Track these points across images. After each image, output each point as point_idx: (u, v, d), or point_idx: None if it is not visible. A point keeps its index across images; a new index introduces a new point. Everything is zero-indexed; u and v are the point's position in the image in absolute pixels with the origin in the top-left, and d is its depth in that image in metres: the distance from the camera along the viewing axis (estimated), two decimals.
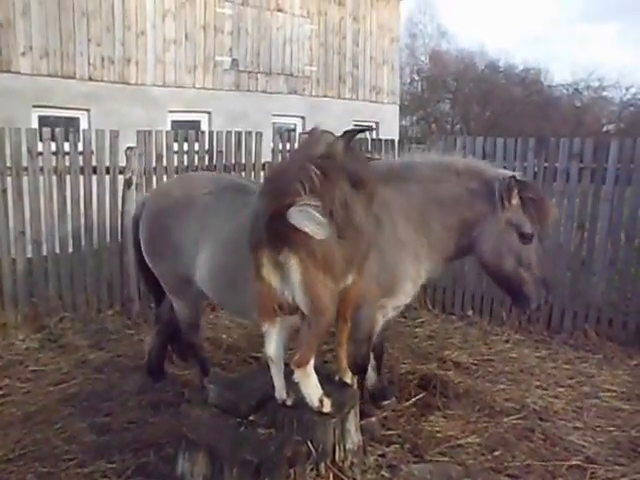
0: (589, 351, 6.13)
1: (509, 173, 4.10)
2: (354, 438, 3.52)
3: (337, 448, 3.34)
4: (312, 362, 3.22)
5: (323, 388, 3.31)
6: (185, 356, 5.10)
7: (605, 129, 36.86)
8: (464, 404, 4.81)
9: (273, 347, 3.31)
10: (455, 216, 4.13)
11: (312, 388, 3.26)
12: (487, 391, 5.09)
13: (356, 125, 14.47)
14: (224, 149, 7.55)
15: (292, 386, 3.32)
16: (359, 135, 4.05)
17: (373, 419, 4.34)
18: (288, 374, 3.32)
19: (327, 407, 3.29)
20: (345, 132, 3.96)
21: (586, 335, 6.36)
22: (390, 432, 4.32)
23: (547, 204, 4.12)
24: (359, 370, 4.31)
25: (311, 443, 3.20)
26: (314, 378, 3.26)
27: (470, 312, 7.12)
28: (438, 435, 4.31)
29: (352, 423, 3.49)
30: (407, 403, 4.78)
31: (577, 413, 4.77)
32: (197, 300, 4.71)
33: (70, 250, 6.79)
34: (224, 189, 4.32)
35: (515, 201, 3.94)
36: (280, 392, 3.41)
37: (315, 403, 3.26)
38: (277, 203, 2.97)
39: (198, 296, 4.60)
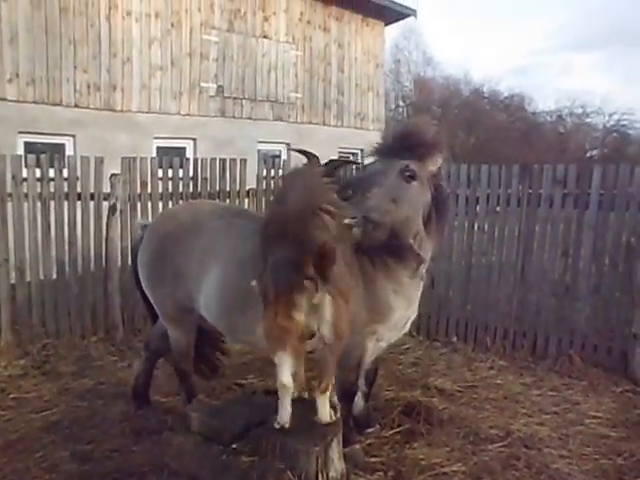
0: (574, 378, 6.11)
1: None
2: (337, 466, 3.50)
3: (320, 476, 3.32)
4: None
5: (306, 415, 3.31)
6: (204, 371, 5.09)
7: (589, 155, 37.29)
8: (448, 431, 4.77)
9: (287, 374, 3.28)
10: None
11: (327, 408, 3.52)
12: (472, 418, 5.06)
13: (341, 153, 14.59)
14: (209, 176, 7.56)
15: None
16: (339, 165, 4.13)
17: (357, 446, 4.29)
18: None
19: (333, 417, 3.57)
20: (330, 161, 4.00)
21: (571, 361, 6.34)
22: (374, 460, 4.28)
23: None
24: (347, 397, 4.26)
25: (294, 471, 3.18)
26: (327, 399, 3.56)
27: (454, 338, 7.11)
28: (422, 463, 4.27)
29: (335, 451, 3.47)
30: (391, 430, 4.74)
31: (563, 440, 4.74)
32: (193, 329, 4.68)
33: (54, 276, 6.76)
34: (234, 215, 4.32)
35: None
36: (285, 418, 3.42)
37: (327, 419, 3.49)
38: (307, 252, 3.16)
39: (194, 324, 4.58)
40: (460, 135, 36.19)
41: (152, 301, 4.57)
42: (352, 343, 4.03)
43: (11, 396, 5.38)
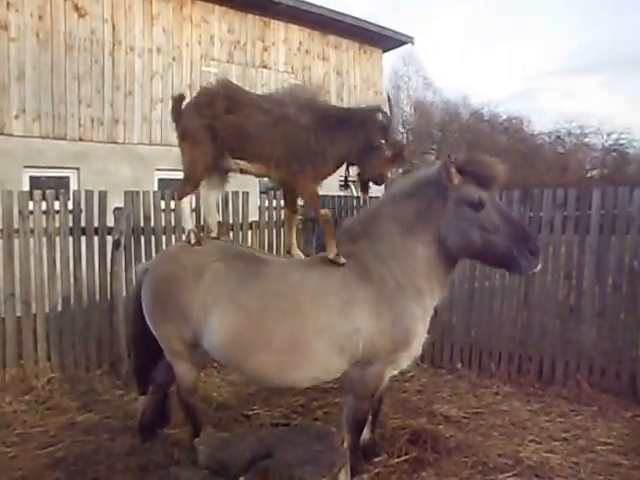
0: (583, 403, 5.99)
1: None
2: None
3: None
4: (189, 198, 4.57)
5: (312, 445, 3.30)
6: None
7: (589, 175, 37.23)
8: (456, 460, 4.70)
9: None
10: (427, 229, 4.09)
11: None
12: (479, 446, 4.98)
13: (341, 181, 14.59)
14: None
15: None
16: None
17: (364, 476, 4.29)
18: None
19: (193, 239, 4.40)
20: None
21: (579, 387, 6.25)
22: None
23: (487, 163, 4.00)
24: (357, 427, 4.25)
25: None
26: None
27: (459, 365, 7.09)
28: None
29: None
30: (398, 459, 4.69)
31: (574, 469, 4.60)
32: (199, 363, 4.71)
33: (59, 309, 6.78)
34: (233, 257, 4.34)
35: (457, 179, 3.92)
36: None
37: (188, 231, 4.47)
38: None
39: (200, 359, 4.62)
40: None
41: (157, 337, 4.57)
42: (372, 373, 4.06)
43: (16, 432, 5.34)
